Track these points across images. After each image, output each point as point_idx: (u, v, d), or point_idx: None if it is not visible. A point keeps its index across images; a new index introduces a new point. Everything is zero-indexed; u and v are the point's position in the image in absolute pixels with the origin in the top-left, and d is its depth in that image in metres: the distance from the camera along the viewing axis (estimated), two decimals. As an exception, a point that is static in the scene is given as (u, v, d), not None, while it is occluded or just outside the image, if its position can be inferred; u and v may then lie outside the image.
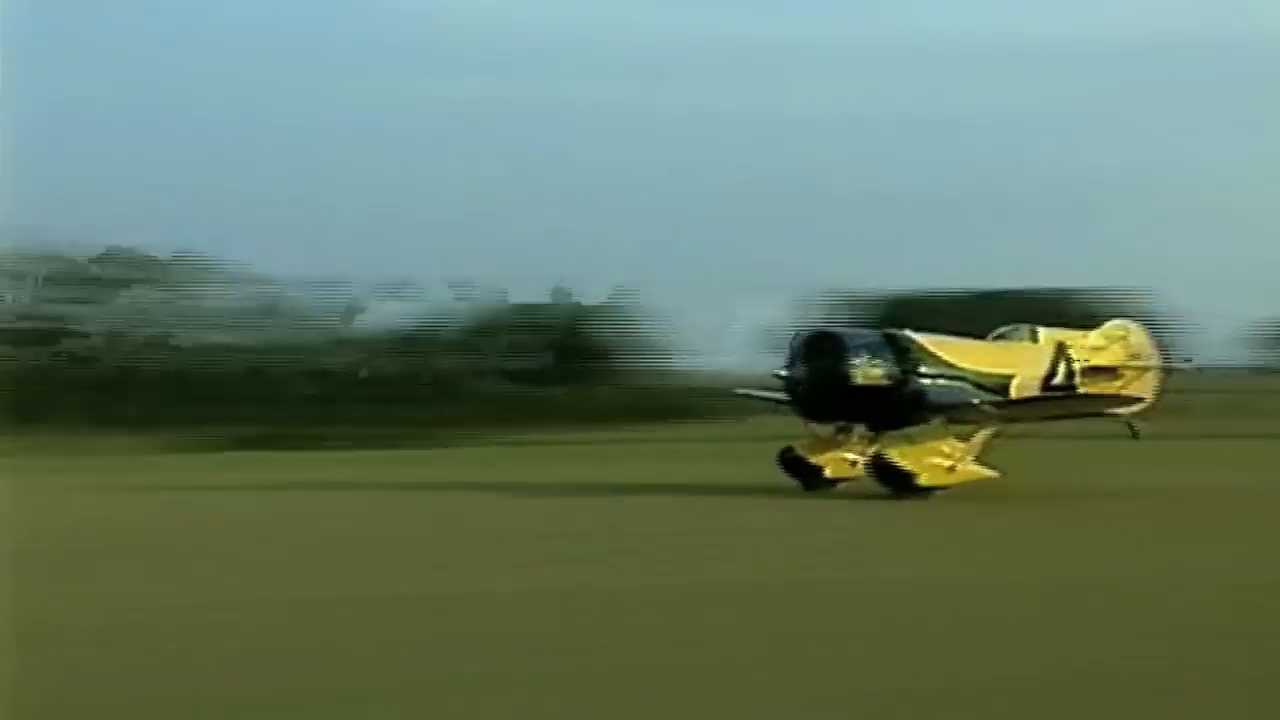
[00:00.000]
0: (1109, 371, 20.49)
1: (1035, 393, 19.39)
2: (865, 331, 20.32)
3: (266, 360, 38.09)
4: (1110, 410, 19.89)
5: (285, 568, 12.66)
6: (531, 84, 77.63)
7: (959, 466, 18.04)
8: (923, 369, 18.76)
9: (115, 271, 39.64)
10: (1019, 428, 20.08)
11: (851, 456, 19.20)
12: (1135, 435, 20.40)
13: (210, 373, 36.98)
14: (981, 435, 18.59)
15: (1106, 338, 20.86)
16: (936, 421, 18.62)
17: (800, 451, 19.22)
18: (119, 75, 72.41)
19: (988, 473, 18.20)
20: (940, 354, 19.04)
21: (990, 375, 19.11)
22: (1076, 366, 19.98)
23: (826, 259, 57.05)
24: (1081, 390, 19.90)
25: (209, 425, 32.28)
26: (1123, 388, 20.10)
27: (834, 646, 8.45)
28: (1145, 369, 20.82)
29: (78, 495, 20.05)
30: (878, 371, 18.50)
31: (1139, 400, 19.85)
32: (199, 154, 64.53)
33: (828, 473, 19.12)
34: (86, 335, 38.57)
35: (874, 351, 18.70)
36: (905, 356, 18.79)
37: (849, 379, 18.32)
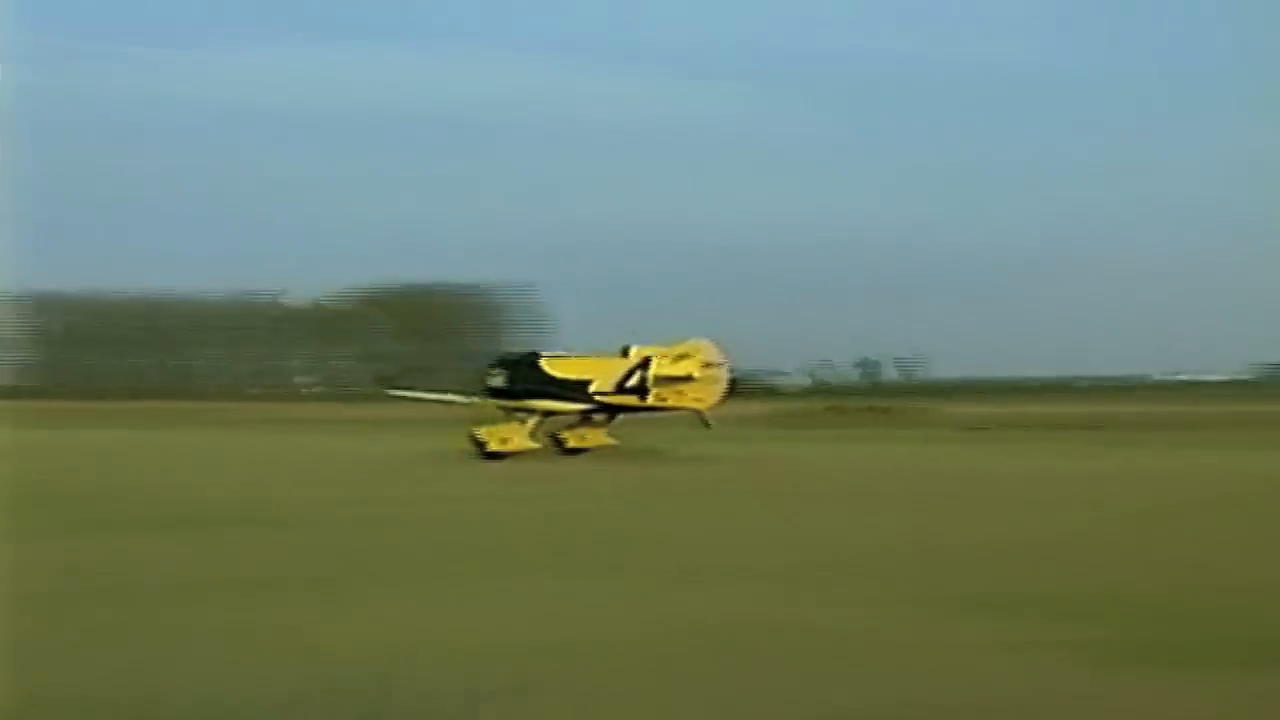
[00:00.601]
0: (682, 380, 27.14)
1: (609, 394, 27.10)
2: (516, 351, 30.37)
3: None
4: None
5: None
6: None
7: (513, 441, 26.46)
8: (527, 379, 27.35)
9: None
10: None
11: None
12: (707, 425, 27.78)
13: None
14: (532, 421, 26.91)
15: (685, 352, 27.59)
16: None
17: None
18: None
19: (531, 445, 26.45)
20: (545, 368, 27.46)
21: (574, 381, 27.22)
22: (651, 375, 27.12)
23: None
24: (653, 393, 27.17)
25: None
26: (688, 391, 27.27)
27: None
28: (711, 378, 27.53)
29: None
30: (498, 380, 27.44)
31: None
32: None
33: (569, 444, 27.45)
34: None
35: (507, 366, 27.84)
36: (523, 370, 27.50)
37: (487, 385, 27.77)
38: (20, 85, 67.27)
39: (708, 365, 27.47)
